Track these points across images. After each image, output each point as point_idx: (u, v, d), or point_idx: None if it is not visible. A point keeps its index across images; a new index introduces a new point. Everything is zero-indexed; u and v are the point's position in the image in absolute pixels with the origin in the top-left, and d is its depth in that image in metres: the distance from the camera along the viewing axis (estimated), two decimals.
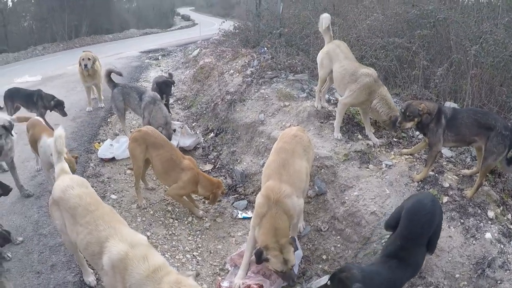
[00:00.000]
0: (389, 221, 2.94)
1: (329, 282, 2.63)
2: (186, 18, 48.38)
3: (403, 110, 3.63)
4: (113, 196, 4.60)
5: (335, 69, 4.57)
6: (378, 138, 4.45)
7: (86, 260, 3.27)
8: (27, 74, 13.14)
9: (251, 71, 7.17)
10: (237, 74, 7.69)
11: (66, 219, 2.83)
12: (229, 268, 3.58)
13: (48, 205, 3.55)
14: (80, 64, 7.46)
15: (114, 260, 2.32)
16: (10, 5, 26.38)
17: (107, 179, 5.04)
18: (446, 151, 4.22)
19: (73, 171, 3.70)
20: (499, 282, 2.84)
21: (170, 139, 5.12)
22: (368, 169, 3.96)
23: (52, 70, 14.19)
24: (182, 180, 4.08)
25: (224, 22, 12.59)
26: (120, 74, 6.81)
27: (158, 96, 5.88)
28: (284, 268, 2.95)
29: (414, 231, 2.62)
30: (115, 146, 5.86)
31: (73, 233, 2.73)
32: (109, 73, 6.17)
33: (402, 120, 3.66)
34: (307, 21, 8.21)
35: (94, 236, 2.52)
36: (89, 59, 7.45)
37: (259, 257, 2.96)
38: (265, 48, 8.14)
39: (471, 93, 4.90)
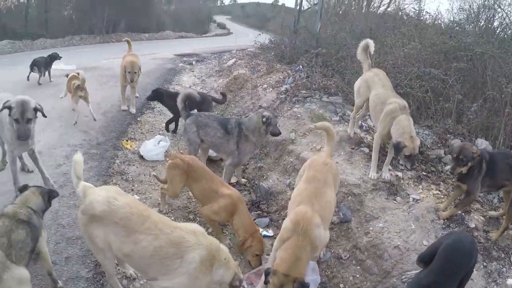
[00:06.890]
0: (423, 256, 2.84)
1: None
2: (221, 26, 49.25)
3: (455, 155, 3.38)
4: (136, 197, 4.61)
5: (370, 97, 4.54)
6: (408, 171, 4.40)
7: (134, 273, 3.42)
8: (63, 63, 12.97)
9: (285, 88, 7.33)
10: (271, 89, 7.91)
11: (113, 233, 2.69)
12: (245, 286, 3.49)
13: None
14: (125, 70, 7.23)
15: (203, 255, 2.56)
16: None
17: (131, 179, 5.05)
18: None
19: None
20: None
21: None
22: (395, 202, 3.99)
23: (87, 61, 14.15)
24: (218, 203, 3.97)
25: (260, 34, 12.92)
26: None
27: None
28: None
29: (451, 269, 2.56)
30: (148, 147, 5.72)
31: (126, 245, 2.64)
32: (186, 99, 5.16)
33: (455, 166, 3.41)
34: (343, 42, 8.34)
35: (163, 239, 2.56)
36: (135, 72, 7.16)
37: (266, 277, 2.88)
38: (301, 67, 8.34)
39: (504, 132, 4.92)
